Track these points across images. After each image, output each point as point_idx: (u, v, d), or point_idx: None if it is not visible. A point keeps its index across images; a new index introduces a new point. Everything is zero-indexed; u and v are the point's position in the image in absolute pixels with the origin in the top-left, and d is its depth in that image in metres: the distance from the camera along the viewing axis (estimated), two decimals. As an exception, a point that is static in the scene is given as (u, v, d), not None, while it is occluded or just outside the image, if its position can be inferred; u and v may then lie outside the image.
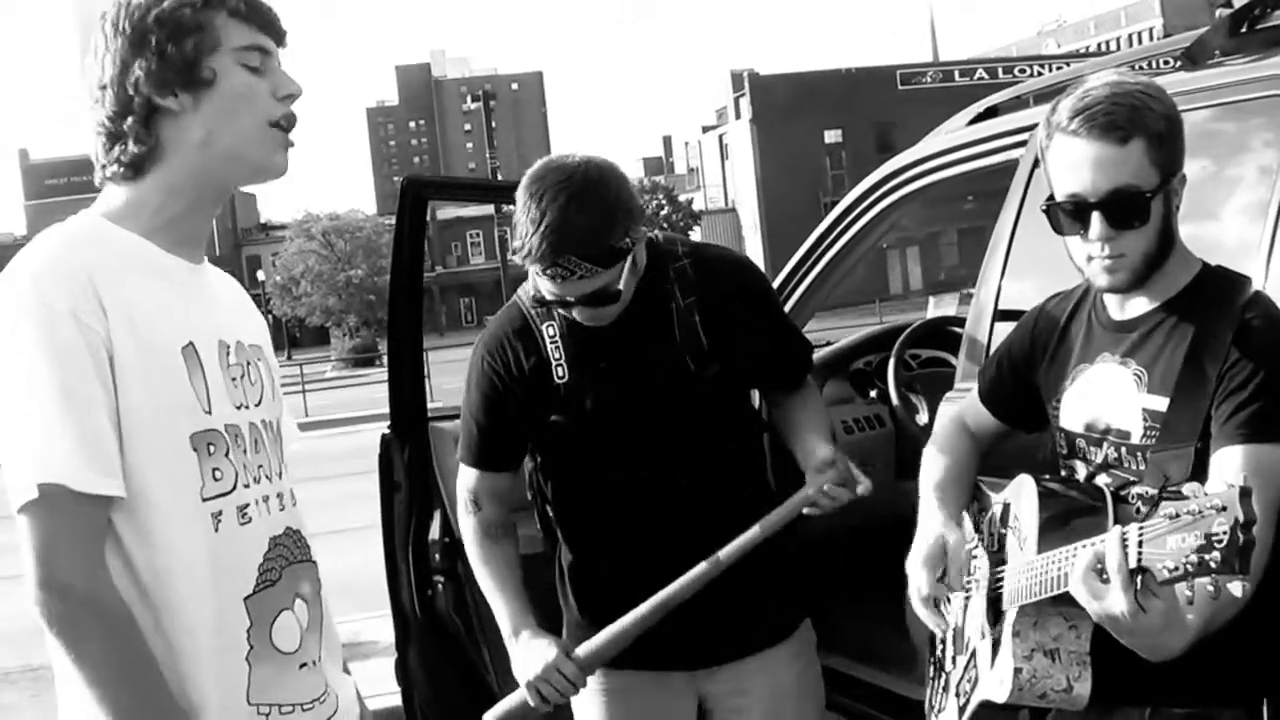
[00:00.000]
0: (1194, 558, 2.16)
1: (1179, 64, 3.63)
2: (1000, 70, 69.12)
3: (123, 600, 2.22)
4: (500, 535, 3.59)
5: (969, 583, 2.88)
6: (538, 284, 3.36)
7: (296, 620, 2.42)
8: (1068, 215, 2.70)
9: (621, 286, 3.31)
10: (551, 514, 3.62)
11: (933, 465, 3.11)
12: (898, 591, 3.65)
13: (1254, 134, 3.36)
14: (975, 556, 2.90)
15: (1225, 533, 2.14)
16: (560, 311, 3.41)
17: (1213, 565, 2.14)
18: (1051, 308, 3.02)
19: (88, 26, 2.48)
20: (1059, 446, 2.90)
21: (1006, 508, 2.85)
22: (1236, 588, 2.15)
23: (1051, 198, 2.74)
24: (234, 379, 2.41)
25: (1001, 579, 2.75)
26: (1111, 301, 2.82)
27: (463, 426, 3.63)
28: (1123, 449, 2.72)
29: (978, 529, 2.95)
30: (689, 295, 3.46)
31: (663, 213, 66.61)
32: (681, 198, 75.70)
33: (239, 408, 2.40)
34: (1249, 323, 2.63)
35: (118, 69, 2.35)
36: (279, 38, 2.46)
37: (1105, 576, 2.34)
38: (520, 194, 3.26)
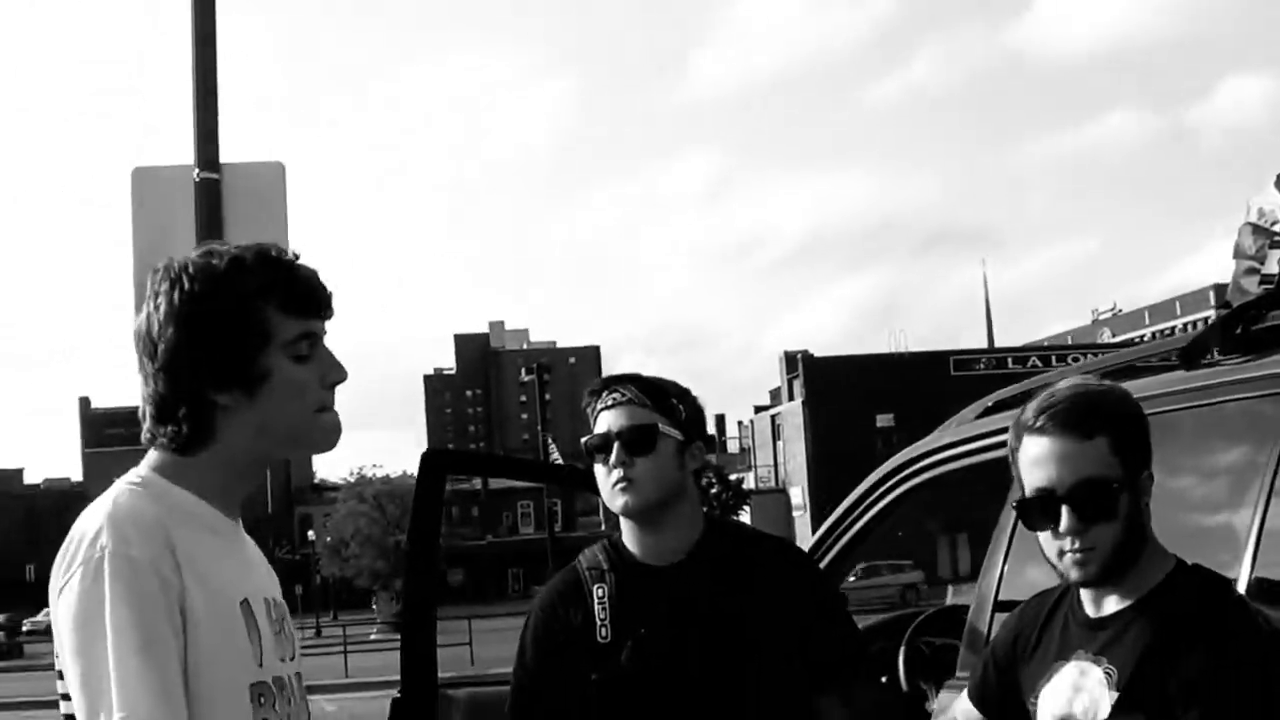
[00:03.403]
0: None
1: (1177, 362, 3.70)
2: (1054, 358, 69.22)
3: None
4: None
5: None
6: (592, 431, 3.60)
7: None
8: (1038, 510, 2.76)
9: (662, 432, 3.53)
10: None
11: None
12: None
13: (1244, 433, 3.40)
14: None
15: None
16: (607, 498, 3.56)
17: None
18: (1032, 606, 3.05)
19: (143, 277, 2.56)
20: None
21: None
22: None
23: (1023, 495, 2.80)
24: (276, 633, 2.48)
25: None
26: (1087, 599, 2.84)
27: (513, 684, 3.72)
28: None
29: None
30: (745, 574, 3.54)
31: (713, 491, 66.52)
32: (732, 477, 75.51)
33: (282, 660, 2.47)
34: (1225, 627, 2.65)
35: (168, 353, 2.39)
36: (327, 316, 2.51)
37: None
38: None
